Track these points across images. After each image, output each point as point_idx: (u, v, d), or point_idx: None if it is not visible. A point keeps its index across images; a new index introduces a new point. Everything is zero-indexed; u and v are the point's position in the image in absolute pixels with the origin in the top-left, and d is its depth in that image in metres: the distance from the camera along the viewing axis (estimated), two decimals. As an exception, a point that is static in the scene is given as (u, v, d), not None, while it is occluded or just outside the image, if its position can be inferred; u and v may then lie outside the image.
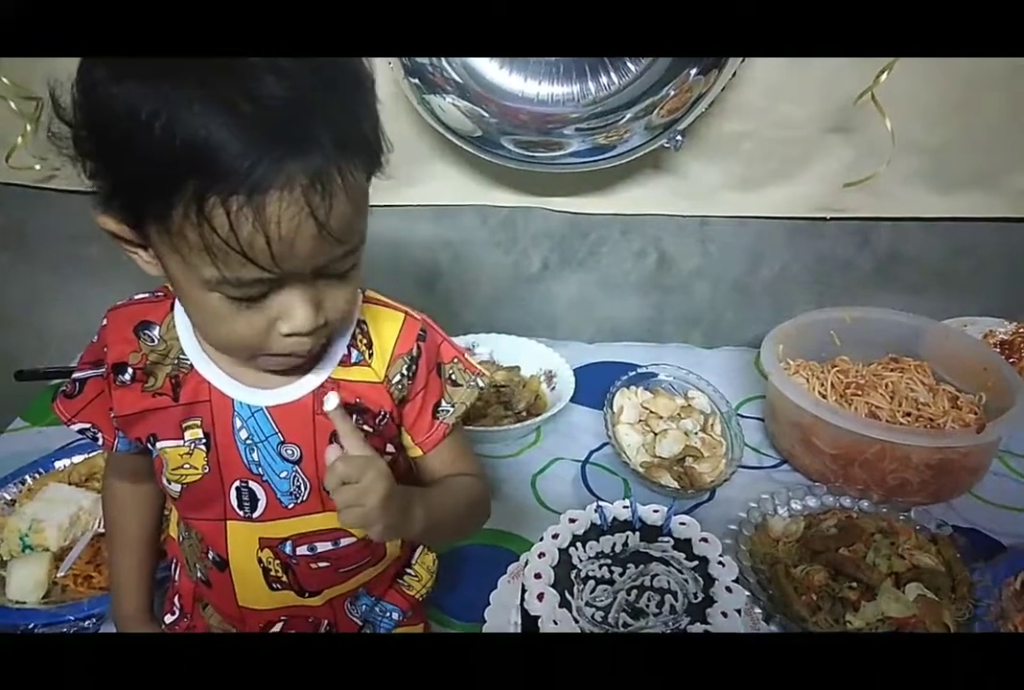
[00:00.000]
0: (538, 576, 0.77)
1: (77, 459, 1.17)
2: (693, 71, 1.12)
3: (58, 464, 1.16)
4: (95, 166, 0.56)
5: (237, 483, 0.72)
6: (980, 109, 1.25)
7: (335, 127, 0.53)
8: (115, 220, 0.58)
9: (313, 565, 0.76)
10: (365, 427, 0.72)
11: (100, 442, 0.78)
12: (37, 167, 1.36)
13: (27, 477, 1.14)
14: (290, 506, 0.73)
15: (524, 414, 1.31)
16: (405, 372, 0.73)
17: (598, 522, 0.83)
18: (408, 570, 0.89)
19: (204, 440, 0.71)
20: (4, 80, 1.28)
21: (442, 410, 0.77)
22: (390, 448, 0.76)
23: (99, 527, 1.04)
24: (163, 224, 0.53)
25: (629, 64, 1.12)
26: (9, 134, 1.32)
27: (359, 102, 0.57)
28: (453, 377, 0.78)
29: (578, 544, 0.81)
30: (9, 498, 1.11)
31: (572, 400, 1.31)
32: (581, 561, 0.80)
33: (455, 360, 0.78)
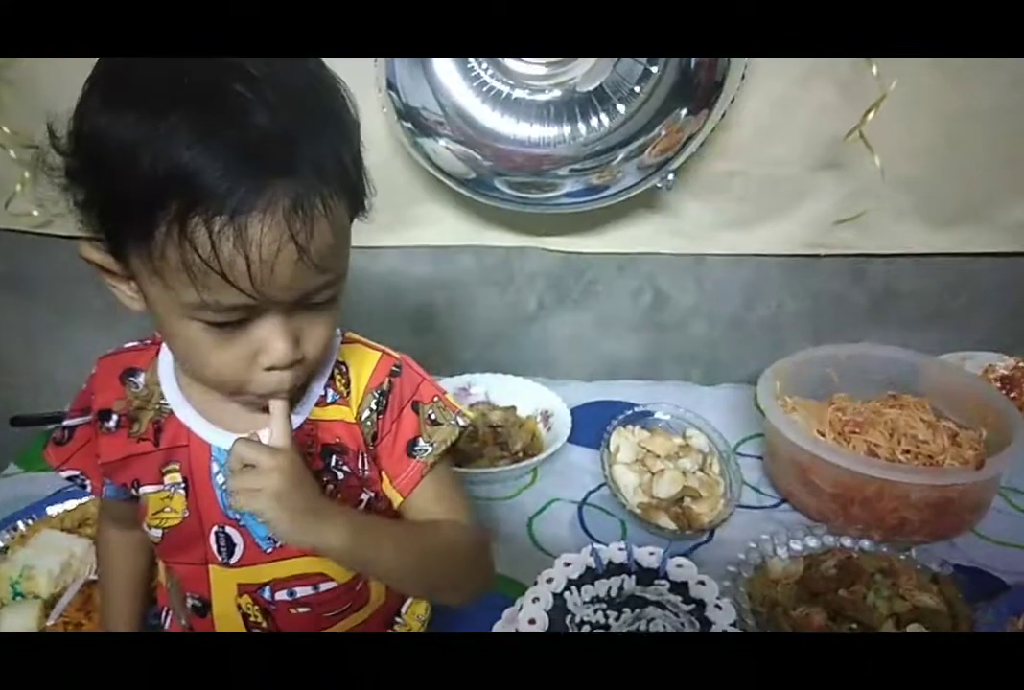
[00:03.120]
0: (532, 622, 0.76)
1: (70, 505, 1.16)
2: (683, 111, 1.14)
3: (51, 510, 1.15)
4: (83, 193, 0.57)
5: (215, 528, 0.72)
6: (969, 144, 1.26)
7: (317, 157, 0.55)
8: (98, 250, 0.59)
9: (293, 610, 0.75)
10: (345, 467, 0.71)
11: (88, 489, 0.79)
12: (35, 213, 1.37)
13: (19, 523, 1.12)
14: (268, 550, 0.72)
15: (520, 455, 1.30)
16: (374, 406, 0.72)
17: (593, 566, 0.82)
18: (397, 619, 0.87)
19: (183, 484, 0.71)
20: (4, 129, 1.30)
21: (419, 449, 0.72)
22: (365, 495, 0.74)
23: (90, 574, 1.03)
24: (145, 246, 0.54)
25: (619, 105, 1.13)
26: (8, 181, 1.34)
27: (341, 138, 0.58)
28: (432, 416, 0.74)
29: (573, 588, 0.80)
30: (1, 545, 1.09)
31: (569, 440, 1.30)
32: (576, 606, 0.79)
33: (435, 399, 0.75)
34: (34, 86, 1.27)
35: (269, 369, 0.61)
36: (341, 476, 0.72)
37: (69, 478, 0.78)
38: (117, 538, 0.85)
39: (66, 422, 0.77)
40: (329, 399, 0.72)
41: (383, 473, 0.74)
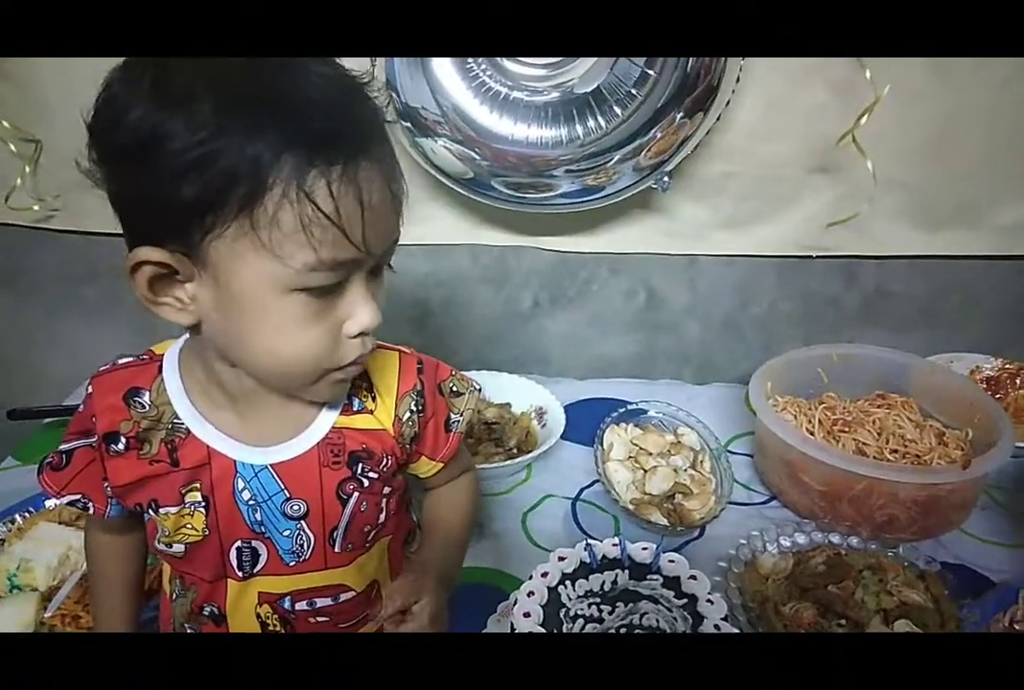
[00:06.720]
0: (527, 615, 0.77)
1: (68, 498, 1.16)
2: (679, 114, 1.15)
3: (48, 503, 1.14)
4: (150, 193, 0.53)
5: (239, 543, 0.71)
6: (960, 148, 1.28)
7: (374, 111, 0.57)
8: (163, 249, 0.55)
9: (311, 620, 0.75)
10: (371, 474, 0.71)
11: (91, 511, 0.74)
12: (35, 208, 1.38)
13: (17, 516, 1.12)
14: (291, 564, 0.72)
15: (515, 451, 1.31)
16: (414, 407, 0.73)
17: (587, 560, 0.83)
18: None
19: (203, 503, 0.69)
20: (4, 123, 1.30)
21: (453, 422, 0.78)
22: (387, 489, 0.74)
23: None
24: (249, 218, 0.52)
25: (615, 108, 1.14)
26: (8, 175, 1.34)
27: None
28: (454, 388, 0.79)
29: (567, 583, 0.81)
30: (-1, 538, 1.10)
31: (563, 437, 1.31)
32: (570, 600, 0.80)
33: (452, 373, 0.80)
34: (33, 80, 1.27)
35: (357, 336, 0.61)
36: (367, 483, 0.72)
37: (70, 503, 0.74)
38: (109, 543, 0.82)
39: (64, 446, 0.73)
40: (355, 408, 0.72)
41: (421, 458, 0.78)
